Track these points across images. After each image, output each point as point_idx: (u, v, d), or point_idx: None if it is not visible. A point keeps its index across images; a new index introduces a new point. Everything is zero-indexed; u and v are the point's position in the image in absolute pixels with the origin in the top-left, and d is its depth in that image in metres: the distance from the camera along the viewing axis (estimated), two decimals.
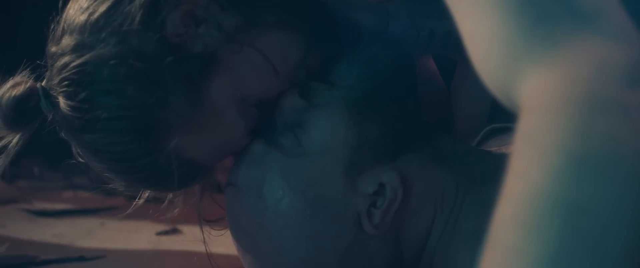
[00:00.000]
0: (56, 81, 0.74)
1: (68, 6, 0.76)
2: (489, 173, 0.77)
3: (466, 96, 0.93)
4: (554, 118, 0.43)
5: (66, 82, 0.73)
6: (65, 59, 0.73)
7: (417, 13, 0.84)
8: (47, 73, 0.77)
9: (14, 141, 0.77)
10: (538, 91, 0.46)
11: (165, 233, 1.52)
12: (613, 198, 0.41)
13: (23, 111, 0.75)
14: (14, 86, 0.76)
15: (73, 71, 0.72)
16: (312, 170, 0.77)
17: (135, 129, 0.72)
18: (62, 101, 0.74)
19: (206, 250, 0.86)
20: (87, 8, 0.73)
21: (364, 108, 0.77)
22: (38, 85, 0.76)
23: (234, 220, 0.82)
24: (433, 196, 0.78)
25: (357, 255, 0.78)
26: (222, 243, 0.88)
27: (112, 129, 0.72)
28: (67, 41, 0.73)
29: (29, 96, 0.75)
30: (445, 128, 0.84)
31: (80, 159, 0.78)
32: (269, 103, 0.78)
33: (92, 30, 0.72)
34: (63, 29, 0.75)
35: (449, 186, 0.78)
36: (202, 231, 0.86)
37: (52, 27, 0.77)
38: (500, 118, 0.87)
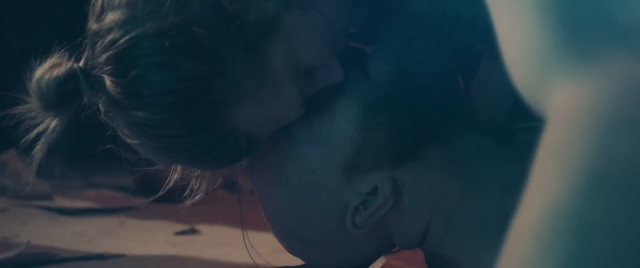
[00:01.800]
0: (101, 59, 0.70)
1: None
2: (510, 176, 0.77)
3: (489, 92, 0.93)
4: (578, 135, 0.44)
5: (114, 60, 0.69)
6: (112, 35, 0.69)
7: None
8: (86, 53, 0.73)
9: (52, 126, 0.74)
10: (566, 104, 0.46)
11: (184, 233, 1.53)
12: (627, 219, 0.41)
13: (64, 94, 0.72)
14: (53, 67, 0.72)
15: (123, 46, 0.68)
16: (313, 158, 0.78)
17: (191, 103, 0.69)
18: (108, 80, 0.70)
19: (242, 230, 0.86)
20: None
21: (381, 111, 0.77)
22: (75, 66, 0.72)
23: (254, 179, 0.85)
24: (430, 203, 0.78)
25: (341, 242, 0.81)
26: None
27: (166, 105, 0.69)
28: (113, 17, 0.69)
29: (69, 77, 0.72)
30: (470, 122, 0.82)
31: (127, 140, 0.75)
32: (318, 70, 0.76)
33: (144, 3, 0.68)
34: (103, 5, 0.71)
35: (451, 192, 0.78)
36: (241, 204, 0.86)
37: (92, 3, 0.73)
38: (523, 117, 0.86)
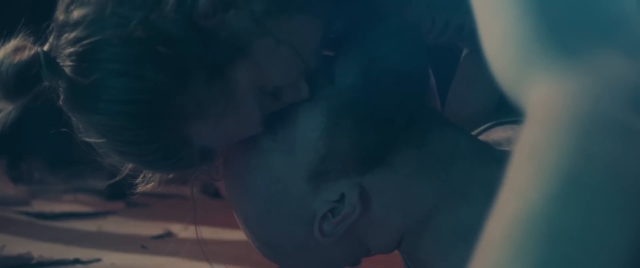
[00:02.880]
0: (64, 53, 0.67)
1: None
2: (491, 180, 0.74)
3: (473, 87, 0.92)
4: (556, 136, 0.42)
5: (77, 58, 0.66)
6: (77, 33, 0.66)
7: (435, 3, 0.83)
8: (51, 39, 0.69)
9: (8, 109, 0.70)
10: (545, 102, 0.44)
11: (160, 237, 1.54)
12: (603, 228, 0.39)
13: (24, 79, 0.68)
14: (16, 51, 0.68)
15: (86, 47, 0.65)
16: (278, 167, 0.76)
17: (148, 115, 0.67)
18: (69, 75, 0.67)
19: (198, 239, 0.85)
20: None
21: (345, 117, 0.75)
22: (40, 50, 0.69)
23: (225, 186, 0.83)
24: (401, 208, 0.76)
25: (313, 249, 0.79)
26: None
27: (123, 113, 0.67)
28: (80, 13, 0.66)
29: (32, 62, 0.68)
30: (447, 123, 0.79)
31: (82, 135, 0.72)
32: (284, 90, 0.74)
33: (113, 5, 0.65)
34: None
35: (424, 197, 0.76)
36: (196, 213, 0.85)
37: None
38: (506, 112, 0.86)
